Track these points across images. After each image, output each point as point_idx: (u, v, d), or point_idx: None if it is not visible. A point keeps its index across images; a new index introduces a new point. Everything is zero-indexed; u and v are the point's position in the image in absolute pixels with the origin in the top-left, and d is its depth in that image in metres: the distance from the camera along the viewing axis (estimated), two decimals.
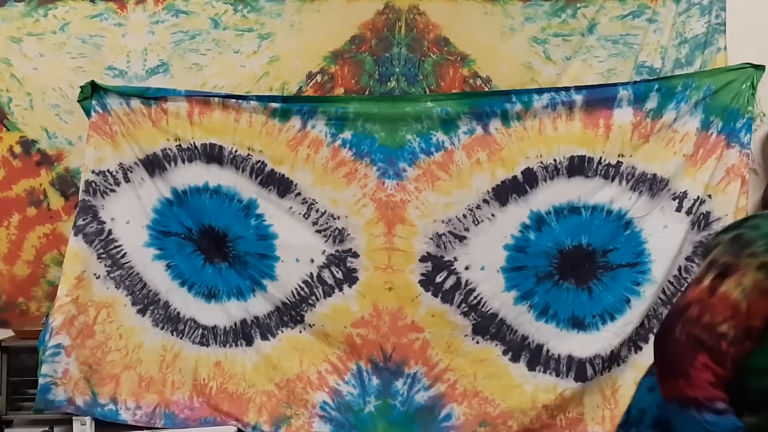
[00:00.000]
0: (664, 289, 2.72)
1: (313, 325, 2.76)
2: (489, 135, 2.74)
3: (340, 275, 2.74)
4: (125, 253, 2.78)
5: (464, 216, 2.71)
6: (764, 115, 2.88)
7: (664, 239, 2.69)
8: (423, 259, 2.72)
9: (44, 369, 2.62)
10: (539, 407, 2.68)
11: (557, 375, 2.69)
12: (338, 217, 2.75)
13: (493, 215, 2.71)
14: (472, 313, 2.71)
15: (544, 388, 2.69)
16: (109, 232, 2.77)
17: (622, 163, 2.72)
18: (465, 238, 2.71)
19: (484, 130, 2.73)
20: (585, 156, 2.72)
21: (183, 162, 2.78)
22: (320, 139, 2.78)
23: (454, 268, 2.71)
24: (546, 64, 2.93)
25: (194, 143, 2.77)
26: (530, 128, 2.74)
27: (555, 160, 2.72)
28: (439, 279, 2.72)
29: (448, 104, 2.72)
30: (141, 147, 2.78)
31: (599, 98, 2.74)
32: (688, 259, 2.72)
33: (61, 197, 2.95)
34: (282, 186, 2.78)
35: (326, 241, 2.76)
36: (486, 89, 2.93)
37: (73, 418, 2.66)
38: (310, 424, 2.69)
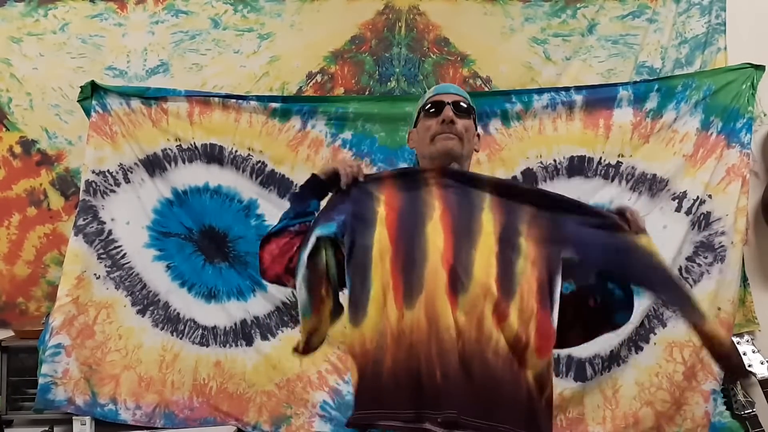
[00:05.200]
0: None
1: None
2: (489, 135, 2.74)
3: None
4: (125, 254, 2.77)
5: None
6: (764, 115, 2.88)
7: (664, 239, 2.68)
8: None
9: (44, 369, 2.62)
10: None
11: (556, 375, 2.67)
12: None
13: None
14: None
15: None
16: (110, 232, 2.77)
17: (622, 163, 2.72)
18: None
19: (484, 130, 2.73)
20: (585, 156, 2.73)
21: (183, 162, 2.78)
22: (320, 139, 2.78)
23: None
24: (546, 64, 2.93)
25: (194, 143, 2.77)
26: (530, 128, 2.75)
27: (555, 161, 2.72)
28: None
29: None
30: (141, 147, 2.77)
31: (599, 98, 2.74)
32: (688, 259, 2.72)
33: (61, 197, 2.94)
34: (282, 186, 2.78)
35: None
36: (486, 89, 2.92)
37: (73, 417, 2.66)
38: (310, 423, 2.69)
